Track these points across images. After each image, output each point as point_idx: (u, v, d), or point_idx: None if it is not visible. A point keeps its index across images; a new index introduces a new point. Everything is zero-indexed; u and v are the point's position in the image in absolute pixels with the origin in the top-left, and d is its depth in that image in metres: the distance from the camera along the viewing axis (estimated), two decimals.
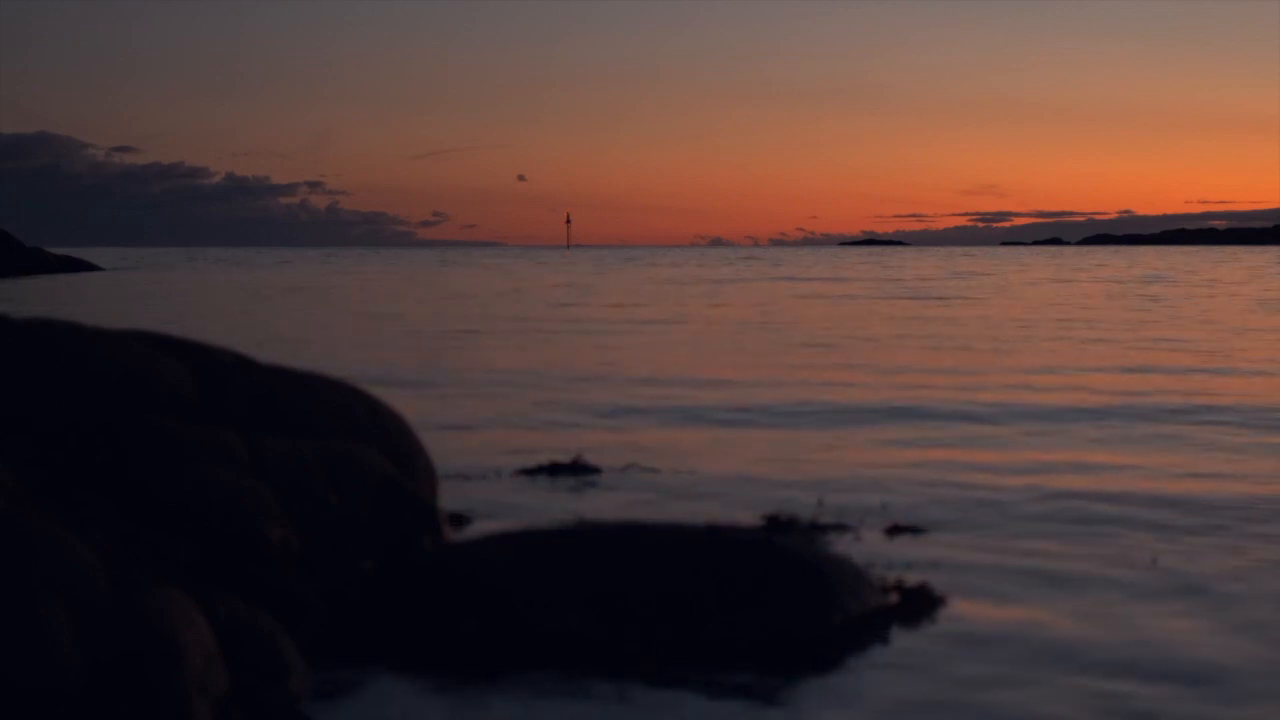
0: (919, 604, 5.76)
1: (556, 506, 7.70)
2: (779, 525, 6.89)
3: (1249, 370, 16.41)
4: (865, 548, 6.71)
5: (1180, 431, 11.05)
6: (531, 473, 8.89)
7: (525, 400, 13.39)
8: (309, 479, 5.84)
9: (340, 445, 6.20)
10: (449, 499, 7.73)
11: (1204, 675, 4.95)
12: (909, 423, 11.61)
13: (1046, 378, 15.37)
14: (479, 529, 6.97)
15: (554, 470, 8.96)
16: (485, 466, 9.09)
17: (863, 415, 12.09)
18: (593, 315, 29.23)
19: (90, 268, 67.29)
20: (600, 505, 7.77)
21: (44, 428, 5.60)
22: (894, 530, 7.20)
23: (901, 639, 5.36)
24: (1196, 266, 73.92)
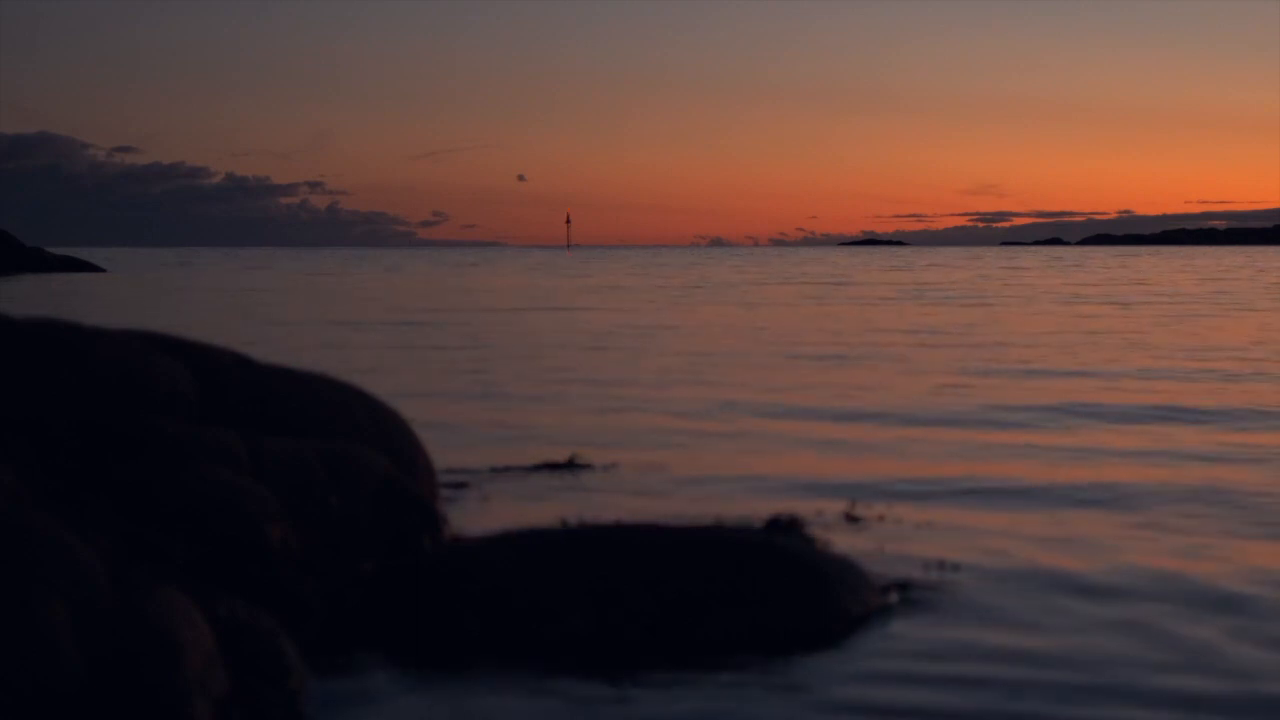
0: (919, 604, 5.76)
1: (557, 506, 7.70)
2: (779, 525, 6.89)
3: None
4: (865, 547, 6.71)
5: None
6: (532, 472, 8.89)
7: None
8: (309, 479, 5.84)
9: (340, 445, 6.20)
10: (448, 499, 7.73)
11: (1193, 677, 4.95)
12: (919, 425, 11.61)
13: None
14: (479, 529, 6.96)
15: (554, 469, 8.95)
16: (486, 466, 9.08)
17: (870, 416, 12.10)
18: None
19: (90, 268, 67.29)
20: (601, 505, 7.77)
21: (44, 428, 5.60)
22: (893, 529, 7.19)
23: (901, 639, 5.36)
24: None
